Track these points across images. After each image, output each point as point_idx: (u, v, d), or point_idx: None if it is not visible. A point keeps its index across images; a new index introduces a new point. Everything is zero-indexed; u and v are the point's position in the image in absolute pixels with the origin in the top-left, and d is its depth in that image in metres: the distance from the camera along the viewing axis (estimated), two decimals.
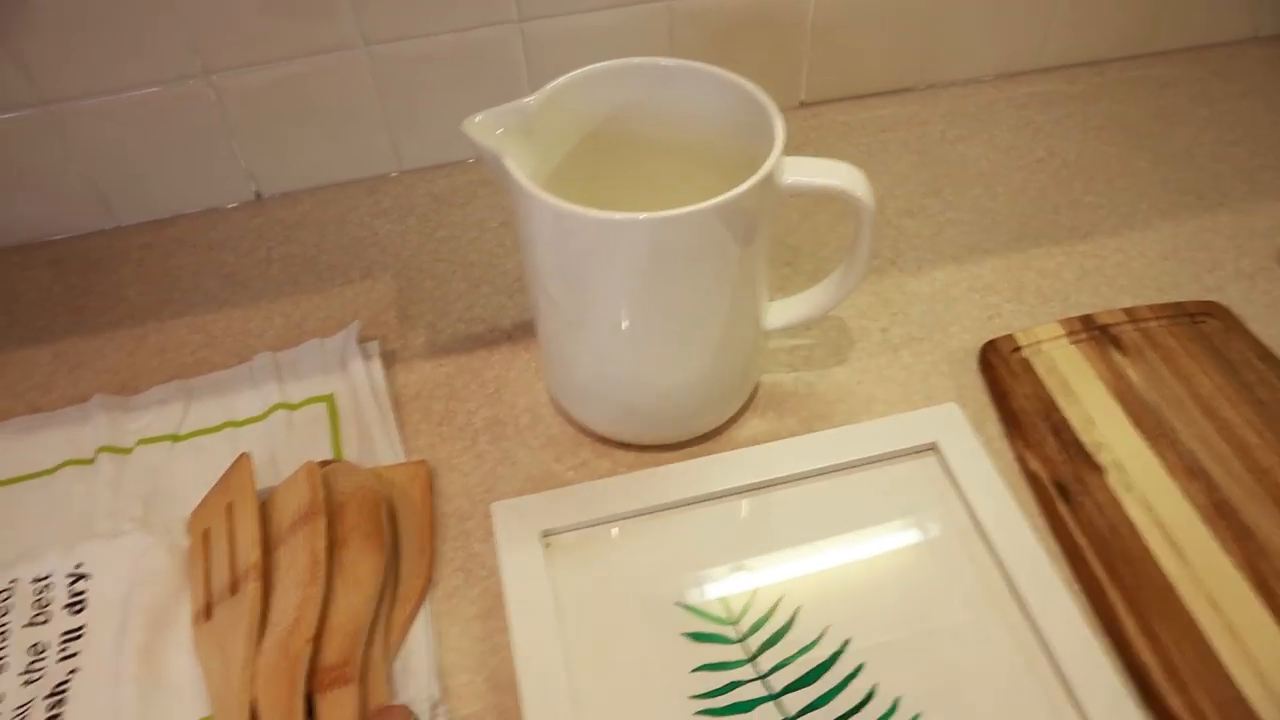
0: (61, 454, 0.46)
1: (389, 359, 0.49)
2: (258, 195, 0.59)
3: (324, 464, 0.42)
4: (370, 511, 0.40)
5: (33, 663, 0.38)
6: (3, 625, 0.40)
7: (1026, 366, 0.46)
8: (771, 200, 0.37)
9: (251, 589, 0.37)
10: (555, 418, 0.46)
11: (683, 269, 0.36)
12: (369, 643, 0.37)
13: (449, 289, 0.52)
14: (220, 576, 0.39)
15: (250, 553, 0.38)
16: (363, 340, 0.49)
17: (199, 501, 0.43)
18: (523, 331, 0.50)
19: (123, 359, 0.50)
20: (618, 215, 0.34)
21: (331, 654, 0.36)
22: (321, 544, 0.38)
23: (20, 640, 0.39)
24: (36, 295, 0.54)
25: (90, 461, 0.45)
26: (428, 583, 0.40)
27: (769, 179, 0.36)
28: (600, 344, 0.40)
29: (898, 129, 0.62)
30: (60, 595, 0.40)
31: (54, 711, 0.37)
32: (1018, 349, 0.47)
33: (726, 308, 0.39)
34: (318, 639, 0.36)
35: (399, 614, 0.38)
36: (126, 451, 0.46)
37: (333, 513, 0.39)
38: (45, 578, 0.41)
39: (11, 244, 0.57)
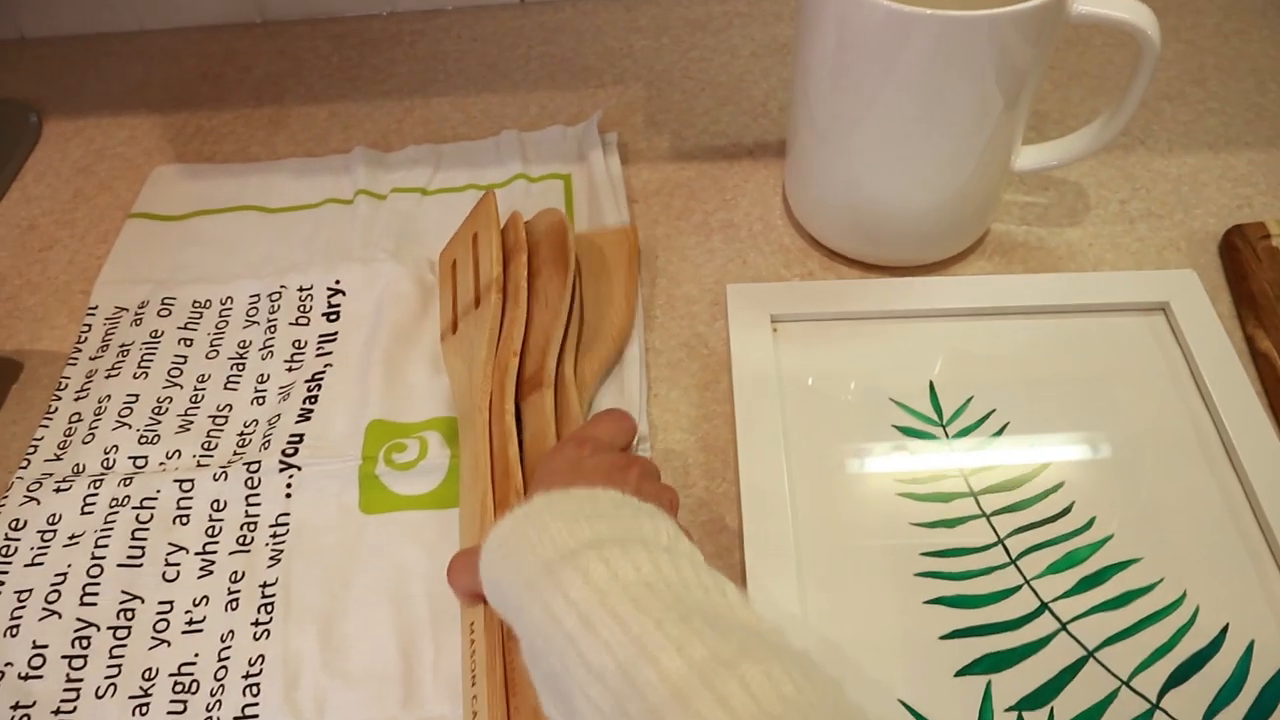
0: (325, 192, 0.52)
1: (634, 156, 0.52)
2: (522, 0, 0.62)
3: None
4: (558, 243, 0.44)
5: (294, 354, 0.45)
6: (272, 320, 0.46)
7: (1273, 254, 0.45)
8: (1059, 26, 0.37)
9: (495, 299, 0.42)
10: (788, 229, 0.48)
11: (958, 78, 0.37)
12: (560, 359, 0.41)
13: (696, 103, 0.55)
14: (466, 295, 0.44)
15: (493, 269, 0.43)
16: (604, 132, 0.52)
17: (445, 242, 0.47)
18: (764, 150, 0.52)
19: (390, 124, 0.56)
20: (909, 9, 0.35)
21: (530, 365, 0.40)
22: (524, 273, 0.42)
23: (286, 335, 0.46)
24: (318, 63, 0.60)
25: (350, 202, 0.51)
26: (629, 327, 0.43)
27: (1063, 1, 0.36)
28: (854, 156, 0.41)
29: (1168, 15, 0.59)
30: (320, 304, 0.47)
31: (312, 393, 0.43)
32: (1267, 236, 0.46)
33: (986, 135, 0.40)
34: (522, 354, 0.41)
35: (603, 349, 0.42)
36: (381, 197, 0.51)
37: (532, 248, 0.44)
38: (308, 288, 0.47)
39: (300, 17, 0.63)
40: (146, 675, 0.35)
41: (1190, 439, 0.39)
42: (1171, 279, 0.43)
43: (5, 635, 0.36)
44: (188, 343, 0.45)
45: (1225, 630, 0.34)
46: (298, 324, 0.46)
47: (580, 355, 0.42)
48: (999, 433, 0.39)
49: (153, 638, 0.36)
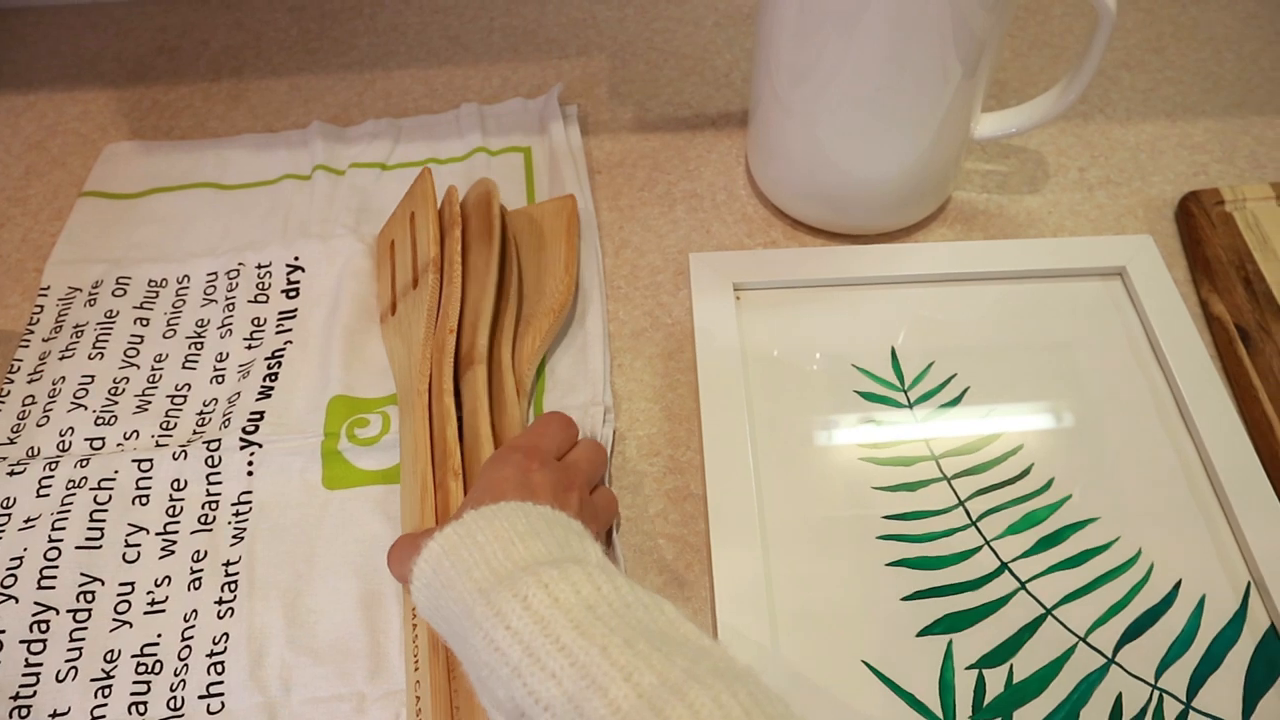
0: (283, 168, 0.51)
1: (597, 127, 0.52)
2: None
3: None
4: (484, 214, 0.43)
5: (254, 332, 0.44)
6: (231, 298, 0.45)
7: (1227, 219, 0.46)
8: None
9: (431, 279, 0.42)
10: (751, 199, 0.48)
11: (918, 46, 0.37)
12: (498, 335, 0.41)
13: (660, 74, 0.55)
14: (404, 275, 0.43)
15: (430, 249, 0.42)
16: (565, 104, 0.52)
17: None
18: (727, 120, 0.51)
19: (350, 98, 0.55)
20: None
21: (463, 342, 0.40)
22: (458, 248, 0.42)
23: (244, 313, 0.45)
24: (278, 36, 0.59)
25: (308, 178, 0.50)
26: (569, 299, 0.43)
27: None
28: (815, 124, 0.41)
29: None
30: (279, 281, 0.46)
31: (272, 370, 0.42)
32: (1221, 202, 0.46)
33: (946, 102, 0.40)
34: (459, 330, 0.40)
35: (541, 323, 0.42)
36: (340, 173, 0.51)
37: (463, 221, 0.44)
38: (267, 265, 0.47)
39: None
40: (108, 657, 0.35)
41: (1147, 401, 0.40)
42: (1128, 244, 0.44)
43: None
44: (144, 322, 0.44)
45: (1178, 586, 0.34)
46: (256, 301, 0.45)
47: (519, 330, 0.42)
48: (960, 397, 0.39)
49: (114, 619, 0.36)
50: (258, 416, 0.41)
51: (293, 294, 0.45)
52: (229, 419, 0.41)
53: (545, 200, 0.47)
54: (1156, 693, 0.32)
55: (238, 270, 0.46)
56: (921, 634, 0.34)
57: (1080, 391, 0.40)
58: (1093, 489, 0.37)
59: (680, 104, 0.53)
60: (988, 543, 0.36)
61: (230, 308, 0.45)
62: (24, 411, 0.41)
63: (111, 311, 0.45)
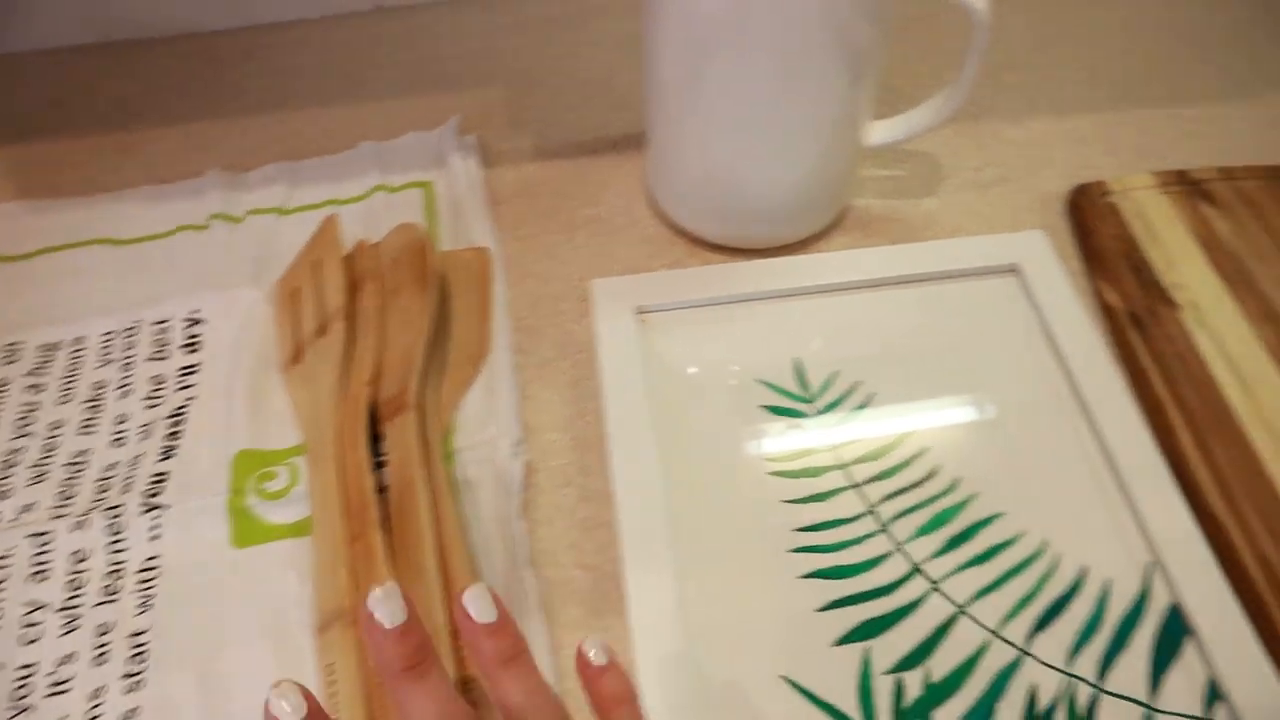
0: (178, 219, 0.50)
1: (497, 158, 0.52)
2: (379, 6, 0.61)
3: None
4: (417, 260, 0.43)
5: (154, 390, 0.43)
6: (129, 357, 0.44)
7: (1114, 210, 0.47)
8: (891, 3, 0.38)
9: (338, 328, 0.41)
10: (653, 220, 0.48)
11: (803, 52, 0.38)
12: (425, 380, 0.41)
13: (559, 100, 0.55)
14: (310, 324, 0.43)
15: (336, 298, 0.42)
16: (464, 137, 0.52)
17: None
18: (628, 143, 0.52)
19: (246, 143, 0.54)
20: None
21: (392, 386, 0.40)
22: (374, 302, 0.42)
23: (143, 371, 0.44)
24: (168, 83, 0.58)
25: (204, 227, 0.49)
26: (486, 348, 0.43)
27: None
28: (707, 140, 0.42)
29: None
30: (178, 336, 0.45)
31: (174, 429, 0.41)
32: (1107, 194, 0.48)
33: (835, 111, 0.41)
34: (376, 380, 0.40)
35: (460, 373, 0.42)
36: (238, 220, 0.50)
37: (390, 268, 0.44)
38: (165, 320, 0.46)
39: (148, 36, 0.61)
40: None
41: (1046, 393, 0.40)
42: (1020, 240, 0.45)
43: None
44: (37, 389, 0.43)
45: (1084, 573, 0.35)
46: (156, 359, 0.44)
47: (442, 377, 0.42)
48: (865, 404, 0.40)
49: (12, 705, 0.34)
50: (162, 477, 0.40)
51: (193, 349, 0.44)
52: (130, 483, 0.40)
53: (461, 249, 0.47)
54: (1068, 679, 0.33)
55: (135, 327, 0.45)
56: (838, 643, 0.34)
57: (983, 389, 0.41)
58: (998, 485, 0.38)
59: (581, 129, 0.53)
60: (899, 546, 0.36)
61: (129, 367, 0.44)
62: None
63: (2, 381, 0.43)
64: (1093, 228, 0.47)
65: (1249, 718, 0.31)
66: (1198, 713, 0.32)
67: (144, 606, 0.36)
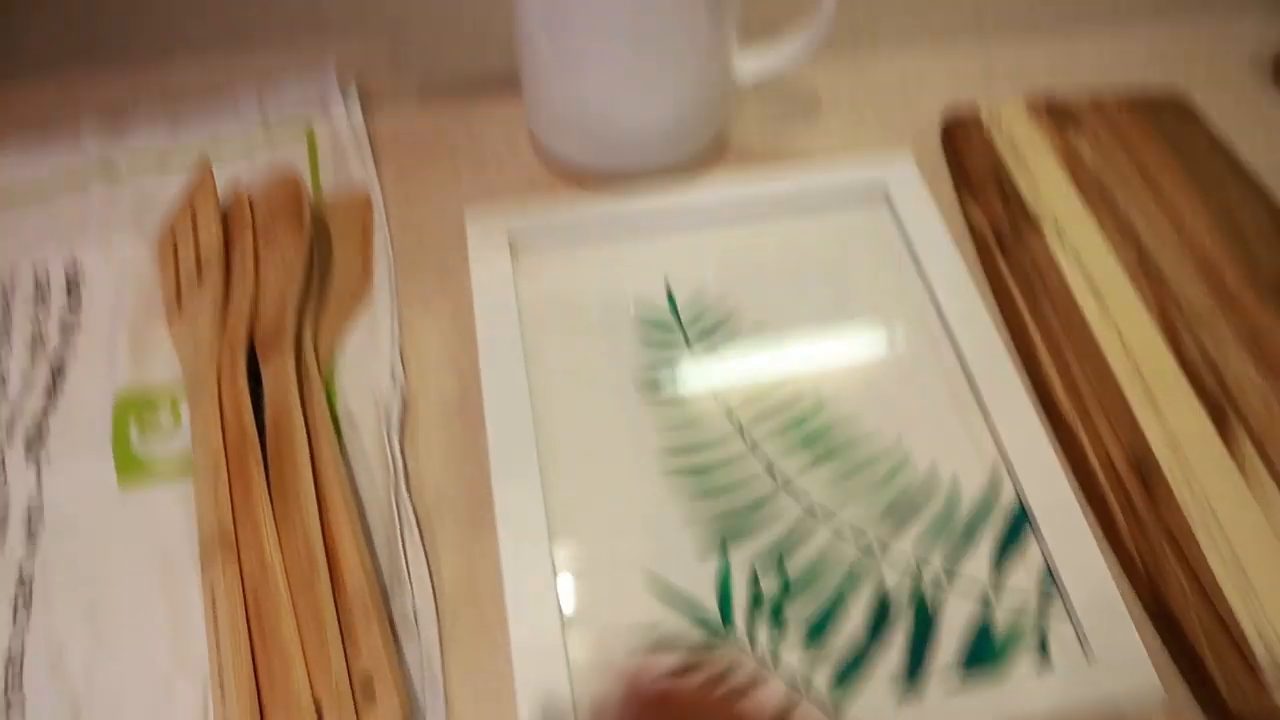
0: (57, 172, 0.49)
1: (379, 103, 0.52)
2: None
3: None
4: (291, 202, 0.44)
5: (34, 339, 0.43)
6: (8, 308, 0.44)
7: (984, 134, 0.49)
8: None
9: (215, 274, 0.42)
10: (534, 161, 0.49)
11: None
12: (302, 319, 0.41)
13: (441, 44, 0.55)
14: (188, 270, 0.44)
15: (213, 244, 0.43)
16: (344, 83, 0.52)
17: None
18: (510, 84, 0.51)
19: (125, 94, 0.53)
20: None
21: (269, 327, 0.41)
22: (249, 244, 0.43)
23: (23, 322, 0.44)
24: (42, 32, 0.57)
25: (83, 177, 0.49)
26: (367, 286, 0.44)
27: None
28: (574, 66, 0.43)
29: None
30: (58, 287, 0.45)
31: (56, 375, 0.42)
32: (979, 120, 0.50)
33: (694, 30, 0.41)
34: (253, 321, 0.41)
35: (341, 311, 0.43)
36: (117, 169, 0.49)
37: (266, 212, 0.44)
38: (45, 273, 0.45)
39: None
40: None
41: (911, 312, 0.42)
42: (888, 161, 0.46)
43: None
44: None
45: (935, 471, 0.37)
46: (37, 307, 0.44)
47: (319, 320, 0.42)
48: (738, 332, 0.41)
49: None
50: (44, 425, 0.40)
51: (74, 295, 0.44)
52: (12, 432, 0.40)
53: (343, 194, 0.47)
54: (917, 572, 0.35)
55: (13, 280, 0.45)
56: (704, 552, 0.35)
57: (852, 312, 0.42)
58: (867, 403, 0.39)
59: (462, 72, 0.53)
60: (768, 467, 0.38)
61: (8, 318, 0.44)
62: None
63: None
64: (965, 151, 0.48)
65: (1076, 597, 0.33)
66: (1033, 592, 0.34)
67: (30, 553, 0.37)
